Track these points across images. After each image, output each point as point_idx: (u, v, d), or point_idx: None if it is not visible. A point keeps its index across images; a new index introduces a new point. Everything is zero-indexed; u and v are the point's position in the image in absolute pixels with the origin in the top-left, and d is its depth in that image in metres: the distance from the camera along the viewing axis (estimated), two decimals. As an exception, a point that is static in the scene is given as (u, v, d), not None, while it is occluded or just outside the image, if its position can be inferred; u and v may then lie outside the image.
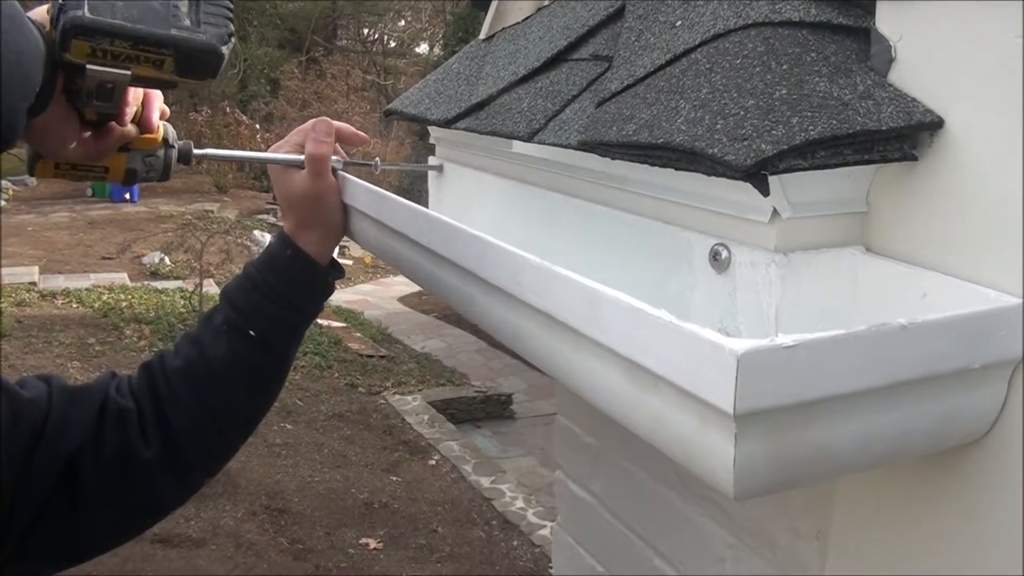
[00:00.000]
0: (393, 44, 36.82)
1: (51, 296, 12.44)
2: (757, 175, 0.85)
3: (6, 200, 20.93)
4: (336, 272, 1.33)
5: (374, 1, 32.94)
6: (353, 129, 1.34)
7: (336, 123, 1.33)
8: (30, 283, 13.15)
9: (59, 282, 13.42)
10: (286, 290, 1.26)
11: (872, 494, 1.02)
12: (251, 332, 1.23)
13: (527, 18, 1.62)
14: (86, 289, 12.95)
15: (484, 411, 10.76)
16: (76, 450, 1.10)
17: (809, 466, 0.75)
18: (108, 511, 1.15)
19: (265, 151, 1.34)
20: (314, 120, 1.31)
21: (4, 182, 23.01)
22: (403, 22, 35.87)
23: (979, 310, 0.80)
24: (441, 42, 29.28)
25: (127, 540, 1.21)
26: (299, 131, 1.32)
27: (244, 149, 23.88)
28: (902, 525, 0.99)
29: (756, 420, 0.67)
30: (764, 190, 0.87)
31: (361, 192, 1.28)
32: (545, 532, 7.27)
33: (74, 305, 12.08)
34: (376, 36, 36.61)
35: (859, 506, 1.04)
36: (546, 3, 1.60)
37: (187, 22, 0.96)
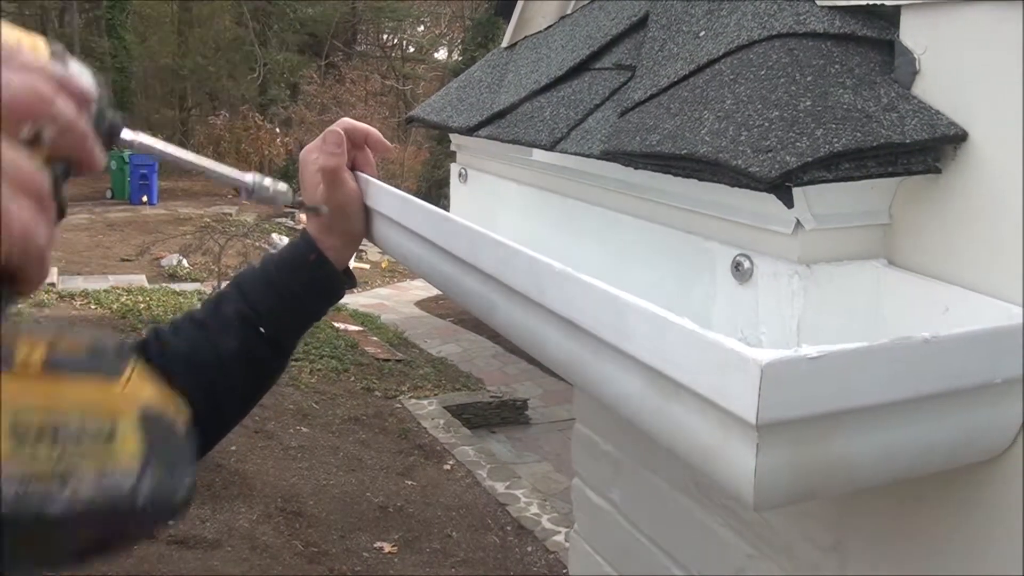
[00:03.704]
0: (412, 49, 36.95)
1: (70, 297, 12.53)
2: (781, 187, 0.85)
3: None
4: (350, 280, 1.34)
5: (394, 5, 33.05)
6: (381, 136, 1.35)
7: (366, 127, 1.33)
8: (49, 284, 13.22)
9: (78, 283, 13.52)
10: (304, 294, 1.26)
11: (891, 507, 1.02)
12: (262, 329, 1.23)
13: (550, 27, 1.62)
14: (104, 290, 13.05)
15: (499, 416, 10.77)
16: None
17: (830, 478, 0.75)
18: None
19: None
20: (326, 130, 1.31)
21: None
22: (422, 28, 36.01)
23: (1001, 325, 0.80)
24: (460, 48, 29.35)
25: None
26: (322, 136, 1.31)
27: (264, 152, 24.04)
28: (921, 538, 0.98)
29: (778, 431, 0.67)
30: (788, 202, 0.87)
31: (384, 196, 1.28)
32: (559, 538, 7.28)
33: (92, 306, 12.17)
34: (395, 41, 36.75)
35: (878, 518, 1.04)
36: (569, 12, 1.61)
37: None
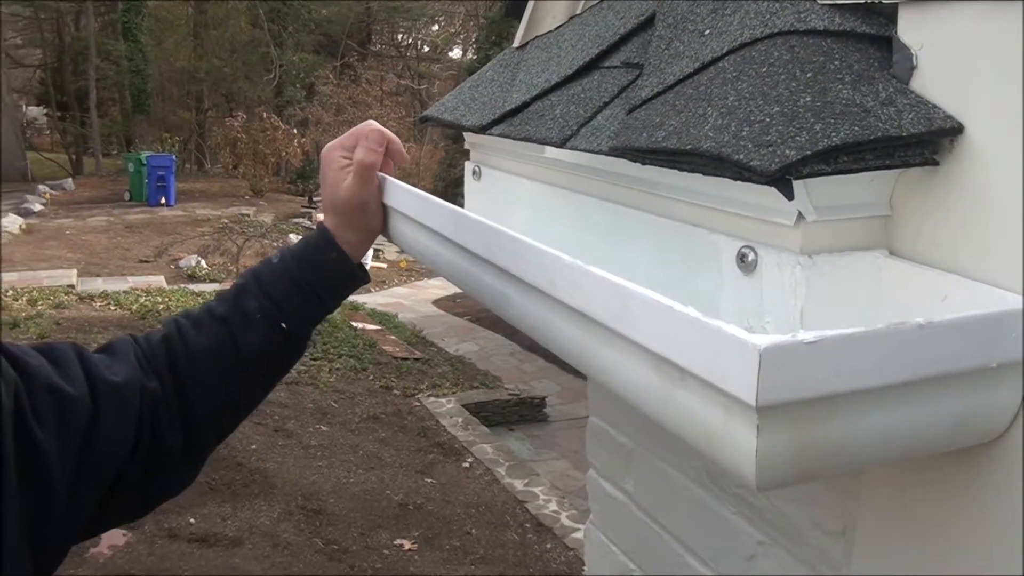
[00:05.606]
0: (427, 49, 37.00)
1: (89, 298, 12.62)
2: (782, 180, 0.88)
3: (44, 204, 21.23)
4: (364, 275, 1.37)
5: (408, 4, 33.08)
6: (402, 147, 1.38)
7: (390, 134, 1.36)
8: (68, 285, 13.34)
9: (97, 284, 13.61)
10: (324, 291, 1.29)
11: (896, 491, 1.04)
12: (283, 325, 1.25)
13: (560, 26, 1.65)
14: (124, 292, 13.14)
15: (517, 414, 10.79)
16: (125, 457, 1.09)
17: (829, 459, 0.77)
18: (129, 502, 1.14)
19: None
20: (368, 127, 1.34)
21: (42, 186, 23.38)
22: (436, 27, 36.05)
23: (996, 311, 0.82)
24: (474, 46, 29.37)
25: (126, 524, 1.19)
26: (352, 134, 1.34)
27: (281, 154, 24.11)
28: (926, 522, 1.00)
29: (778, 413, 0.70)
30: (788, 194, 0.90)
31: (402, 194, 1.32)
32: (578, 535, 7.28)
33: (112, 307, 12.25)
34: (410, 41, 36.81)
35: (884, 503, 1.06)
36: (578, 11, 1.63)
37: None
